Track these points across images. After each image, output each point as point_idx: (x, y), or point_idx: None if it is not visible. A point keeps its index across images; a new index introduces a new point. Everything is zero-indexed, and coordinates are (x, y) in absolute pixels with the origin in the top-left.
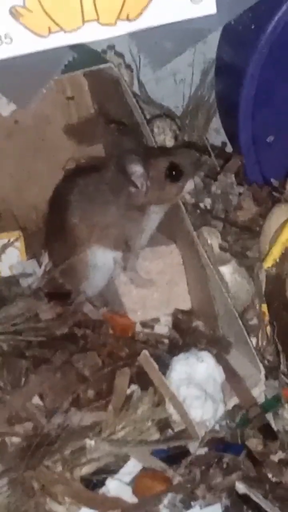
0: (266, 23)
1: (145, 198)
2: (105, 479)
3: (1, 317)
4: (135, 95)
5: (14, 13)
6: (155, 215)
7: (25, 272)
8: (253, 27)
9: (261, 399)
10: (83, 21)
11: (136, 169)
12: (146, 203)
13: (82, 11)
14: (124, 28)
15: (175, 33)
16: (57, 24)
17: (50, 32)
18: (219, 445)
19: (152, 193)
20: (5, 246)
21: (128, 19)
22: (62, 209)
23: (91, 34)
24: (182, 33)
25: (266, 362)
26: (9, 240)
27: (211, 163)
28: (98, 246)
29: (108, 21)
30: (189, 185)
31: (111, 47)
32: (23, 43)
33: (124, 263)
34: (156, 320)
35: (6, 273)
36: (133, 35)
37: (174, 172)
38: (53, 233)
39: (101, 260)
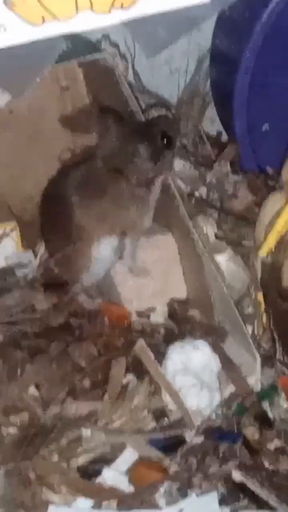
0: (260, 12)
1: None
2: (101, 468)
3: None
4: (130, 84)
5: (7, 2)
6: (158, 189)
7: (21, 262)
8: (247, 15)
9: (257, 387)
10: (77, 10)
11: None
12: (154, 174)
13: (76, 0)
14: (118, 16)
15: (169, 20)
16: (50, 13)
17: (43, 21)
18: (215, 433)
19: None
20: (0, 237)
21: (122, 7)
22: (60, 202)
23: (85, 23)
24: (177, 21)
25: (262, 350)
26: (4, 231)
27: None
28: (103, 236)
29: (102, 10)
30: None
31: (106, 36)
32: (16, 32)
33: (121, 251)
34: (152, 309)
35: (1, 263)
36: (127, 24)
37: (165, 140)
38: (50, 224)
39: (104, 251)
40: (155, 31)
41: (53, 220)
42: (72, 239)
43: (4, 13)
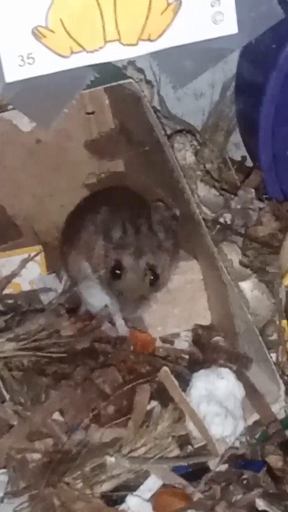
0: (286, 42)
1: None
2: (125, 495)
3: (22, 333)
4: (155, 110)
5: (36, 33)
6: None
7: (45, 287)
8: (274, 46)
9: (281, 415)
10: (105, 41)
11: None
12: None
13: (104, 32)
14: (145, 48)
15: (196, 52)
16: (79, 45)
17: (72, 52)
18: (239, 461)
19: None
20: (25, 261)
21: (149, 39)
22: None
23: (112, 54)
24: (203, 53)
25: (286, 378)
26: (29, 255)
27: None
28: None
29: (130, 41)
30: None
31: (132, 62)
32: (45, 63)
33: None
34: (176, 335)
35: (26, 287)
36: (154, 54)
37: (116, 271)
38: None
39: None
40: (182, 63)
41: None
42: None
43: (33, 44)
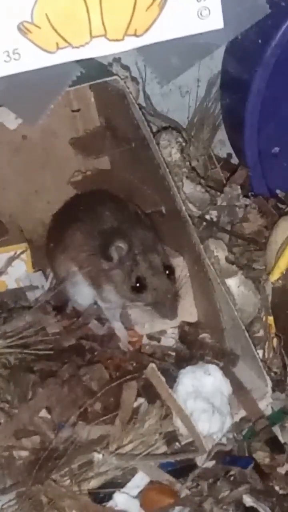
0: (272, 37)
1: (108, 276)
2: (112, 492)
3: (8, 330)
4: (141, 107)
5: (22, 29)
6: (111, 297)
7: (32, 285)
8: (259, 42)
9: (268, 412)
10: (91, 37)
11: (120, 245)
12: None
13: (90, 27)
14: (131, 43)
15: (182, 48)
16: (65, 40)
17: (58, 47)
18: (226, 458)
19: (115, 276)
20: (11, 259)
21: (135, 34)
22: (69, 221)
23: (99, 49)
24: (189, 48)
25: (272, 374)
26: (15, 253)
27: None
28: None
29: (116, 37)
30: (138, 305)
31: (117, 60)
32: (31, 59)
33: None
34: (163, 332)
35: (12, 285)
36: (140, 50)
37: (138, 284)
38: (55, 239)
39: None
40: (168, 58)
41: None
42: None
43: (19, 40)
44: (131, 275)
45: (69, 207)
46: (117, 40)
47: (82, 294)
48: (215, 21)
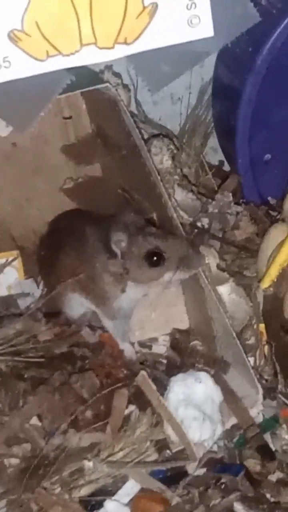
0: (262, 45)
1: (122, 270)
2: (103, 500)
3: None
4: (132, 114)
5: (12, 37)
6: (131, 293)
7: (23, 292)
8: (250, 49)
9: (259, 419)
10: (81, 45)
11: (119, 238)
12: (124, 276)
13: (80, 35)
14: (122, 51)
15: (173, 56)
16: (55, 48)
17: (48, 55)
18: (217, 465)
19: (130, 269)
20: (2, 266)
21: (126, 42)
22: (57, 247)
23: (89, 57)
24: (180, 56)
25: (264, 382)
26: (7, 260)
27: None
28: (73, 294)
29: (106, 45)
30: (167, 276)
31: (109, 67)
32: (21, 67)
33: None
34: (154, 339)
35: (3, 293)
36: (130, 58)
37: (155, 258)
38: (46, 263)
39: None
40: (158, 66)
41: (49, 260)
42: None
43: (9, 48)
44: (143, 255)
45: (52, 233)
46: (107, 48)
47: (75, 304)
48: (205, 29)
